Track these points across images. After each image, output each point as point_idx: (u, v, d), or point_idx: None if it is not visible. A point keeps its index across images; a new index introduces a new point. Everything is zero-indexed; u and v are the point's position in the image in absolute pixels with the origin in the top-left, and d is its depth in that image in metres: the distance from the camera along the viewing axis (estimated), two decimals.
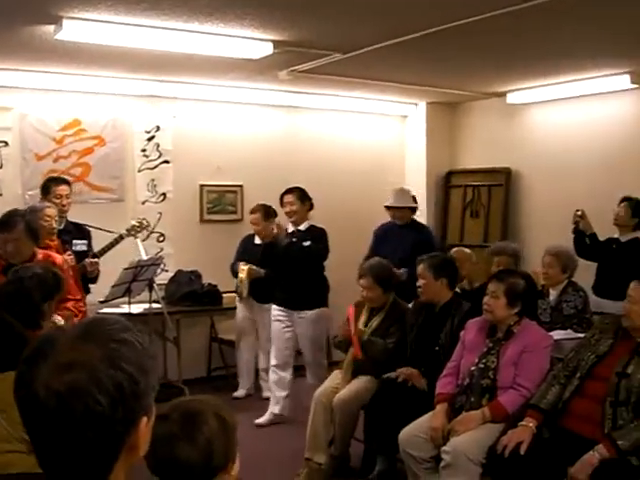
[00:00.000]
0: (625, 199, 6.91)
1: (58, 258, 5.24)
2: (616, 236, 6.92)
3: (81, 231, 6.73)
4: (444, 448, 4.28)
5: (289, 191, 6.89)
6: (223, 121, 8.78)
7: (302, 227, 6.82)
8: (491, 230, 9.19)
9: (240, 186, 8.77)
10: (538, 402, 4.25)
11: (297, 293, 6.75)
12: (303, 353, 7.00)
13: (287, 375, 6.96)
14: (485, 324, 4.69)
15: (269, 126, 9.08)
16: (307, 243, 6.68)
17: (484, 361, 4.52)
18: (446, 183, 9.77)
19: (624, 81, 7.68)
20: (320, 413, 5.48)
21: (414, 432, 4.55)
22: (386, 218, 7.36)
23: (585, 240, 6.92)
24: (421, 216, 9.24)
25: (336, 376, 5.69)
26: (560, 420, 4.18)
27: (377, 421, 5.08)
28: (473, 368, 4.53)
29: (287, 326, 6.86)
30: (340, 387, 5.51)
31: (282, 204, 6.91)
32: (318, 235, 6.76)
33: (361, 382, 5.48)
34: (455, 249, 7.21)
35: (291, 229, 6.82)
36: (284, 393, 6.95)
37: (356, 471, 5.57)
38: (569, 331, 5.72)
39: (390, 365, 5.36)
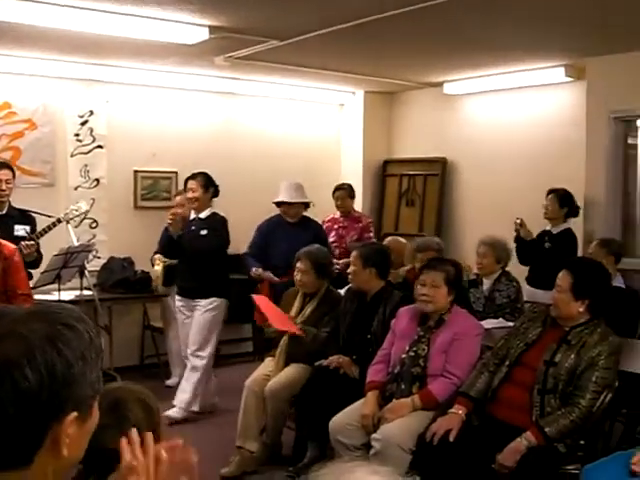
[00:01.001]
0: (552, 191, 7.01)
1: (9, 247, 4.91)
2: (548, 228, 7.01)
3: (25, 217, 6.58)
4: (374, 436, 4.30)
5: (193, 176, 6.65)
6: (159, 107, 8.68)
7: (203, 215, 6.61)
8: (426, 219, 9.25)
9: (175, 173, 8.68)
10: (468, 390, 4.28)
11: (193, 282, 6.58)
12: (187, 342, 6.72)
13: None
14: (417, 312, 4.71)
15: (206, 112, 9.00)
16: (204, 232, 6.52)
17: (415, 349, 4.54)
18: (382, 172, 9.81)
19: (559, 74, 7.78)
20: (252, 401, 5.46)
21: (345, 420, 4.55)
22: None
23: (525, 247, 6.93)
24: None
25: (268, 364, 5.67)
26: (489, 408, 4.22)
27: (308, 409, 5.08)
28: (404, 356, 4.54)
29: (188, 317, 6.69)
30: (272, 375, 5.50)
31: (185, 189, 6.75)
32: (217, 224, 6.59)
33: (293, 370, 5.47)
34: (389, 238, 7.24)
35: (192, 216, 6.67)
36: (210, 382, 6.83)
37: (288, 459, 5.57)
38: (500, 320, 5.79)
39: (323, 353, 5.35)
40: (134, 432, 1.56)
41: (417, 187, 9.42)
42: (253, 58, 7.37)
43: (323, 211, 8.19)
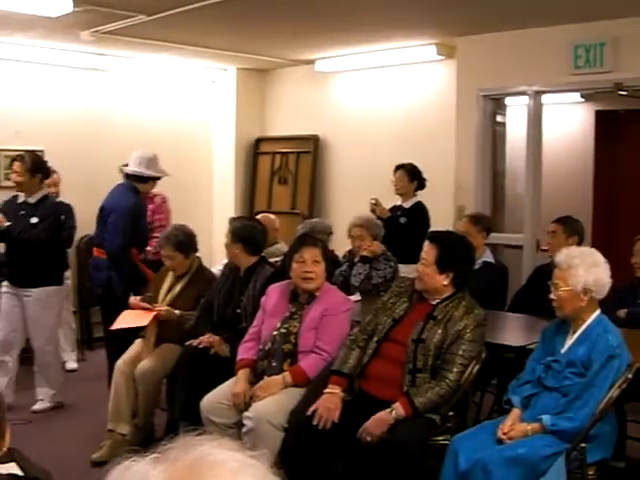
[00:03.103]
0: (399, 167, 7.14)
1: None
2: (399, 203, 7.14)
3: None
4: (246, 414, 4.27)
5: (19, 158, 6.09)
6: (22, 82, 8.35)
7: (32, 199, 6.09)
8: (299, 197, 9.25)
9: (41, 151, 8.38)
10: (341, 367, 4.27)
11: (22, 269, 6.16)
12: (30, 339, 6.39)
13: (10, 359, 6.30)
14: (287, 289, 4.70)
15: (73, 89, 8.72)
16: (34, 220, 6.02)
17: (286, 326, 4.53)
18: (255, 150, 9.75)
19: (430, 52, 7.88)
20: (122, 383, 5.34)
21: (216, 399, 4.51)
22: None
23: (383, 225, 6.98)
24: (229, 183, 9.24)
25: (139, 345, 5.57)
26: (360, 383, 4.24)
27: (179, 389, 5.01)
28: (275, 333, 4.52)
29: (15, 305, 6.26)
30: (142, 356, 5.40)
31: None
32: (50, 210, 6.15)
33: (164, 351, 5.38)
34: (260, 215, 7.21)
35: (21, 199, 6.18)
36: (5, 379, 6.26)
37: (160, 441, 5.47)
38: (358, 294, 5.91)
39: (195, 332, 5.29)
40: None
41: (290, 165, 9.40)
42: (120, 33, 7.19)
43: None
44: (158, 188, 6.79)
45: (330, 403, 4.10)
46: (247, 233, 5.32)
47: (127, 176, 6.35)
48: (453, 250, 4.27)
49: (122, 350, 5.58)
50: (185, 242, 5.62)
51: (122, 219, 6.10)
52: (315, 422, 4.02)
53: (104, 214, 6.25)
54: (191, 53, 8.44)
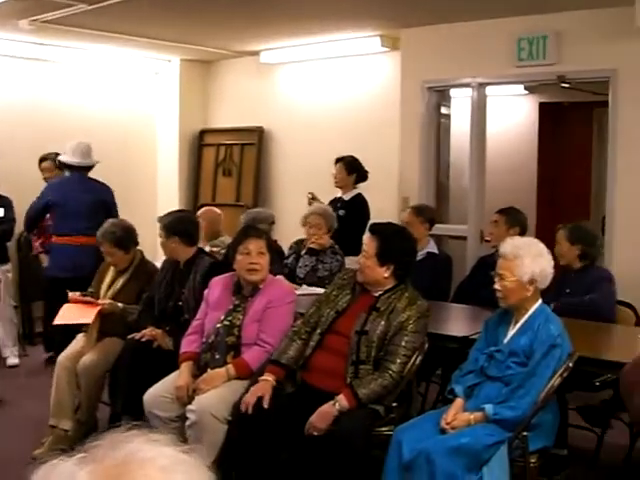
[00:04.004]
0: (339, 159, 7.16)
1: None
2: (339, 195, 7.16)
3: None
4: (189, 407, 4.24)
5: None
6: None
7: None
8: (243, 189, 9.20)
9: None
10: (279, 357, 4.27)
11: None
12: None
13: None
14: (230, 281, 4.66)
15: (13, 79, 8.54)
16: None
17: (230, 318, 4.49)
18: (199, 142, 9.68)
19: (375, 44, 7.88)
20: (64, 378, 5.26)
21: (159, 392, 4.47)
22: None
23: None
24: (173, 175, 9.16)
25: (81, 339, 5.48)
26: (303, 375, 4.23)
27: (122, 383, 4.95)
28: (219, 325, 4.49)
29: None
30: (85, 350, 5.32)
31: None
32: None
33: (107, 345, 5.31)
34: (204, 208, 7.17)
35: None
36: None
37: None
38: (304, 286, 5.89)
39: (138, 326, 5.23)
40: None
41: (234, 157, 9.35)
42: (60, 22, 7.07)
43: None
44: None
45: (260, 390, 4.10)
46: (181, 225, 5.28)
47: (69, 167, 6.34)
48: (393, 242, 4.26)
49: (64, 345, 5.51)
50: (124, 238, 5.53)
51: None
52: (242, 408, 4.04)
53: (86, 203, 6.57)
54: (134, 44, 8.34)
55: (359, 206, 7.04)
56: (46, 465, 1.06)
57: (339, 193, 7.19)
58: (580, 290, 5.06)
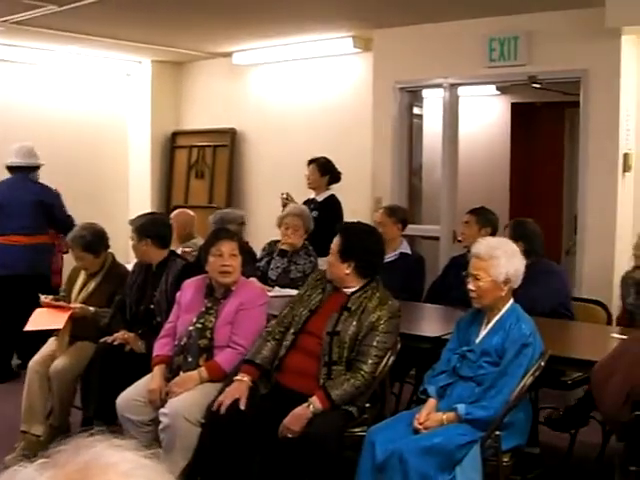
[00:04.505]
0: (312, 161, 7.16)
1: None
2: (312, 196, 7.16)
3: None
4: (162, 410, 4.22)
5: None
6: None
7: None
8: (216, 191, 9.18)
9: None
10: (253, 357, 4.26)
11: None
12: None
13: None
14: (203, 284, 4.64)
15: None
16: None
17: (202, 321, 4.48)
18: (171, 144, 9.64)
19: (347, 45, 7.89)
20: (36, 383, 5.22)
21: (132, 396, 4.44)
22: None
23: None
24: (145, 178, 9.11)
25: (52, 343, 5.44)
26: (277, 376, 4.22)
27: (94, 387, 4.93)
28: (191, 328, 4.47)
29: None
30: (56, 355, 5.28)
31: None
32: None
33: (79, 349, 5.27)
34: (177, 211, 7.14)
35: None
36: None
37: None
38: (277, 288, 5.88)
39: (110, 330, 5.20)
40: None
41: (206, 158, 9.32)
42: (30, 24, 7.04)
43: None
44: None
45: (236, 390, 4.09)
46: (153, 228, 5.25)
47: (18, 169, 6.75)
48: (355, 239, 4.29)
49: (35, 349, 5.47)
50: (94, 242, 5.48)
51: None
52: (215, 407, 4.04)
53: (26, 203, 6.74)
54: (105, 45, 8.29)
55: (332, 207, 7.04)
56: (7, 471, 1.05)
57: (312, 194, 7.19)
58: (524, 285, 5.02)
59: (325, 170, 7.10)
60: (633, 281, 5.04)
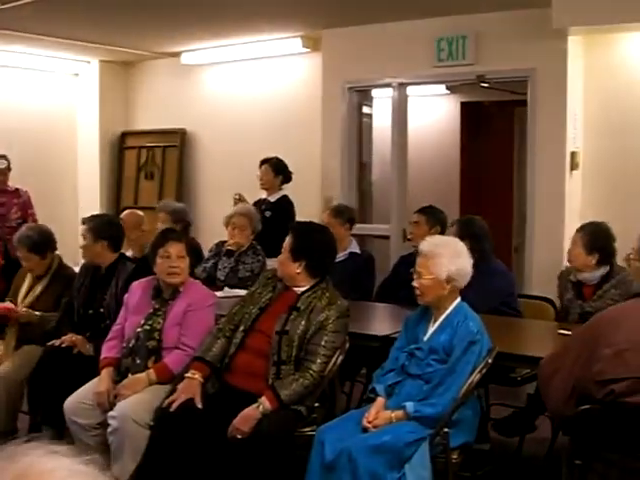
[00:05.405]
0: (264, 161, 7.14)
1: None
2: (264, 197, 7.14)
3: None
4: (110, 413, 4.18)
5: None
6: None
7: None
8: (166, 191, 9.13)
9: None
10: (204, 354, 4.22)
11: None
12: None
13: None
14: (150, 285, 4.61)
15: None
16: None
17: (150, 322, 4.44)
18: (121, 144, 9.57)
19: (296, 45, 7.90)
20: None
21: (80, 399, 4.39)
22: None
23: None
24: (94, 178, 9.04)
25: None
26: (225, 376, 4.20)
27: (41, 391, 4.86)
28: (139, 330, 4.43)
29: None
30: (3, 359, 5.21)
31: None
32: None
33: (25, 352, 5.21)
34: (126, 211, 7.07)
35: None
36: None
37: None
38: (226, 289, 5.87)
39: (58, 333, 5.14)
40: None
41: (156, 159, 9.27)
42: None
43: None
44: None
45: (188, 389, 4.07)
46: (110, 230, 5.21)
47: None
48: (306, 238, 4.29)
49: None
50: (40, 243, 5.40)
51: None
52: (165, 404, 4.02)
53: None
54: (52, 45, 8.20)
55: (285, 207, 7.02)
56: None
57: (263, 194, 7.16)
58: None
59: (278, 170, 7.08)
60: (569, 277, 5.09)
